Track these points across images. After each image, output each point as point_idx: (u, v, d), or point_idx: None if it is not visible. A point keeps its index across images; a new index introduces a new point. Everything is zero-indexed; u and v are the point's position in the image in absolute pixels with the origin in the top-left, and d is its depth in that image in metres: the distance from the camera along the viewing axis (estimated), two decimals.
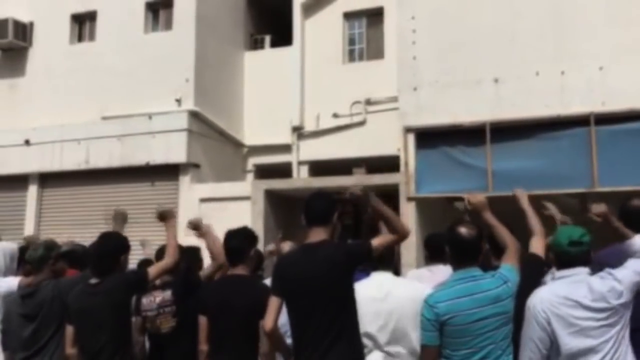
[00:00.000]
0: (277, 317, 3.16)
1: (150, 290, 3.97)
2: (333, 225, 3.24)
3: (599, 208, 3.73)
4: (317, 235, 3.19)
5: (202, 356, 3.55)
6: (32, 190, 10.39)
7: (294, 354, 3.17)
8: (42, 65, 10.78)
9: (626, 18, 6.73)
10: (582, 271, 2.96)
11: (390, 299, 3.31)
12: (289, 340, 3.37)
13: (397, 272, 3.84)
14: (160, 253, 4.22)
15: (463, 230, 3.02)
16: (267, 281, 3.76)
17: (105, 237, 3.81)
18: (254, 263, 3.83)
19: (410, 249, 7.13)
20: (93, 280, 3.62)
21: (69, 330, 3.62)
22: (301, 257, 3.22)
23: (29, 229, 10.13)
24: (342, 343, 3.01)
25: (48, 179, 10.40)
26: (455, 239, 3.04)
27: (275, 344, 3.31)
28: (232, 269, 3.64)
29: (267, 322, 3.14)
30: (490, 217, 3.31)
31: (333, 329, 3.02)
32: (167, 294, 4.00)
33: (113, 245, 3.74)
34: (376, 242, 3.15)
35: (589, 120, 6.72)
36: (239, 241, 3.67)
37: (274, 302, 3.18)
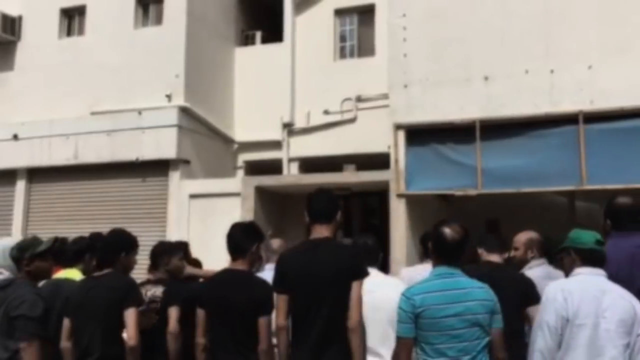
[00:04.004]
0: (287, 313, 3.16)
1: (144, 283, 4.01)
2: (336, 222, 3.27)
3: None
4: (320, 232, 3.22)
5: (200, 348, 3.53)
6: (20, 185, 10.31)
7: (292, 350, 3.17)
8: (30, 59, 10.68)
9: (615, 17, 6.78)
10: (601, 272, 3.12)
11: (376, 298, 3.32)
12: None
13: (385, 268, 3.86)
14: (154, 253, 4.30)
15: (447, 231, 3.03)
16: (264, 274, 3.72)
17: (112, 232, 3.94)
18: (257, 259, 3.80)
19: (400, 245, 7.16)
20: (97, 273, 3.72)
21: (66, 323, 3.64)
22: (304, 254, 3.22)
23: (17, 225, 10.09)
24: (341, 341, 3.02)
25: (36, 174, 10.31)
26: (439, 239, 3.06)
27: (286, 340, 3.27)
28: (232, 263, 3.63)
29: (279, 319, 3.16)
30: None
31: (333, 326, 3.03)
32: (159, 290, 4.06)
33: (114, 240, 3.84)
34: (354, 303, 3.07)
35: (577, 119, 6.77)
36: (240, 236, 3.58)
37: (281, 299, 3.19)
